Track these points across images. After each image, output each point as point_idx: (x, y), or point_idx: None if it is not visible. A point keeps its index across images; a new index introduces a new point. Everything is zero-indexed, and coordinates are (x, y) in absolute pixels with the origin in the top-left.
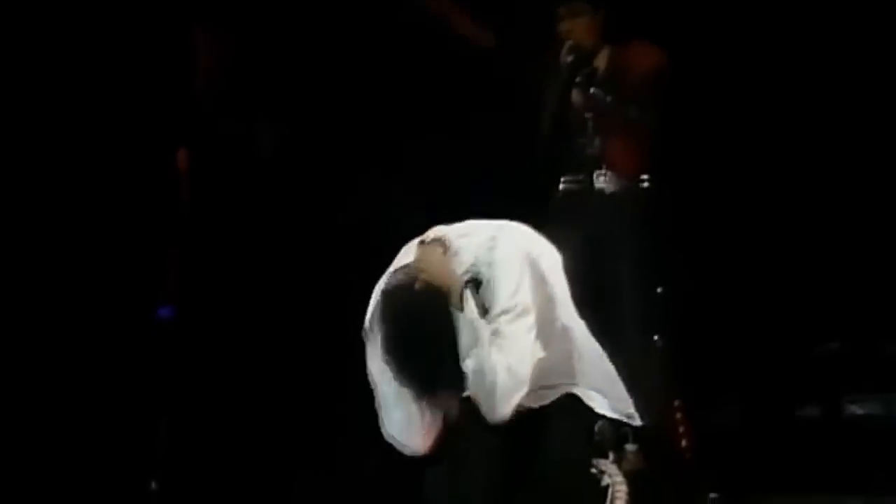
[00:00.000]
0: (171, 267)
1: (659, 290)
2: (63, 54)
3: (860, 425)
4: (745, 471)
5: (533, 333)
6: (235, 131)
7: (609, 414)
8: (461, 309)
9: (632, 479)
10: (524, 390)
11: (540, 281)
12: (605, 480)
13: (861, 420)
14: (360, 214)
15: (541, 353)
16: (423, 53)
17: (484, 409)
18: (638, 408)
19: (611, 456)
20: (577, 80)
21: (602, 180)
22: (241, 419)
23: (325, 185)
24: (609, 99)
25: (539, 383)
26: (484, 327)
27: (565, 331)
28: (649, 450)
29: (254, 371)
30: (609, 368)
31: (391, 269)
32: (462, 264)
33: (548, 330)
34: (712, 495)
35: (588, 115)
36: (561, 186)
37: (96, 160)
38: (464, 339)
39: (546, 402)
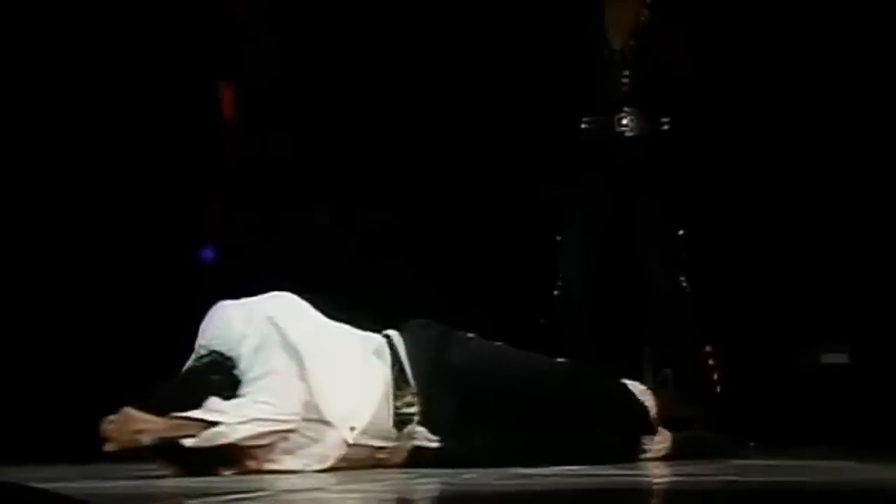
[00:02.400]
0: (215, 208)
1: (681, 232)
2: None
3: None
4: (782, 419)
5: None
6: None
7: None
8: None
9: (669, 426)
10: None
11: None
12: None
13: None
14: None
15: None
16: None
17: None
18: (670, 353)
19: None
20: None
21: (623, 123)
22: None
23: (373, 124)
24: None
25: None
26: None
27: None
28: (686, 396)
29: None
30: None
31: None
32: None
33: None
34: (750, 443)
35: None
36: (582, 127)
37: (139, 99)
38: None
39: None
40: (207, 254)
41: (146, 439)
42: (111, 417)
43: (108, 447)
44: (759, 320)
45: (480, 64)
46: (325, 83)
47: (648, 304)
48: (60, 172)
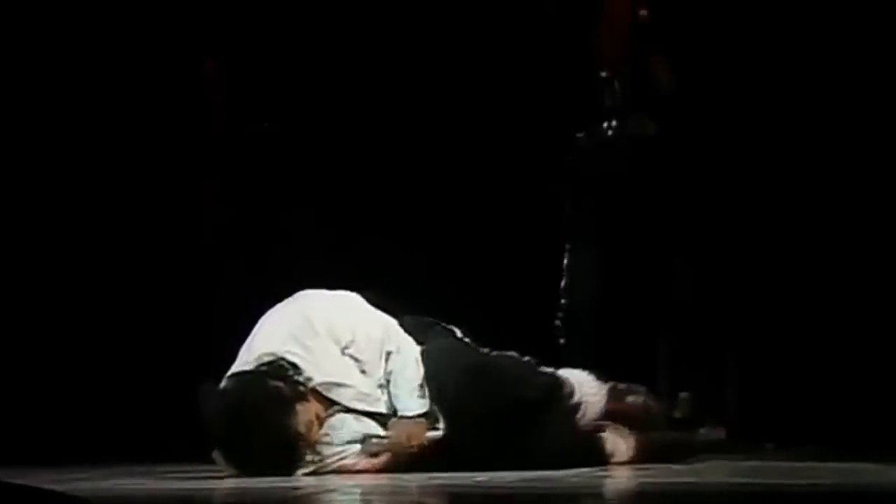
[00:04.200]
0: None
1: (694, 223)
2: None
3: None
4: (800, 420)
5: None
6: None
7: None
8: None
9: (683, 425)
10: None
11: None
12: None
13: None
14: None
15: None
16: None
17: None
18: (688, 351)
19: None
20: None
21: (631, 125)
22: None
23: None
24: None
25: None
26: None
27: None
28: (699, 398)
29: None
30: None
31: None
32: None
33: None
34: (768, 445)
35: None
36: (590, 131)
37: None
38: None
39: None
40: None
41: None
42: None
43: None
44: (779, 319)
45: (487, 72)
46: (337, 80)
47: (664, 301)
48: (54, 166)
